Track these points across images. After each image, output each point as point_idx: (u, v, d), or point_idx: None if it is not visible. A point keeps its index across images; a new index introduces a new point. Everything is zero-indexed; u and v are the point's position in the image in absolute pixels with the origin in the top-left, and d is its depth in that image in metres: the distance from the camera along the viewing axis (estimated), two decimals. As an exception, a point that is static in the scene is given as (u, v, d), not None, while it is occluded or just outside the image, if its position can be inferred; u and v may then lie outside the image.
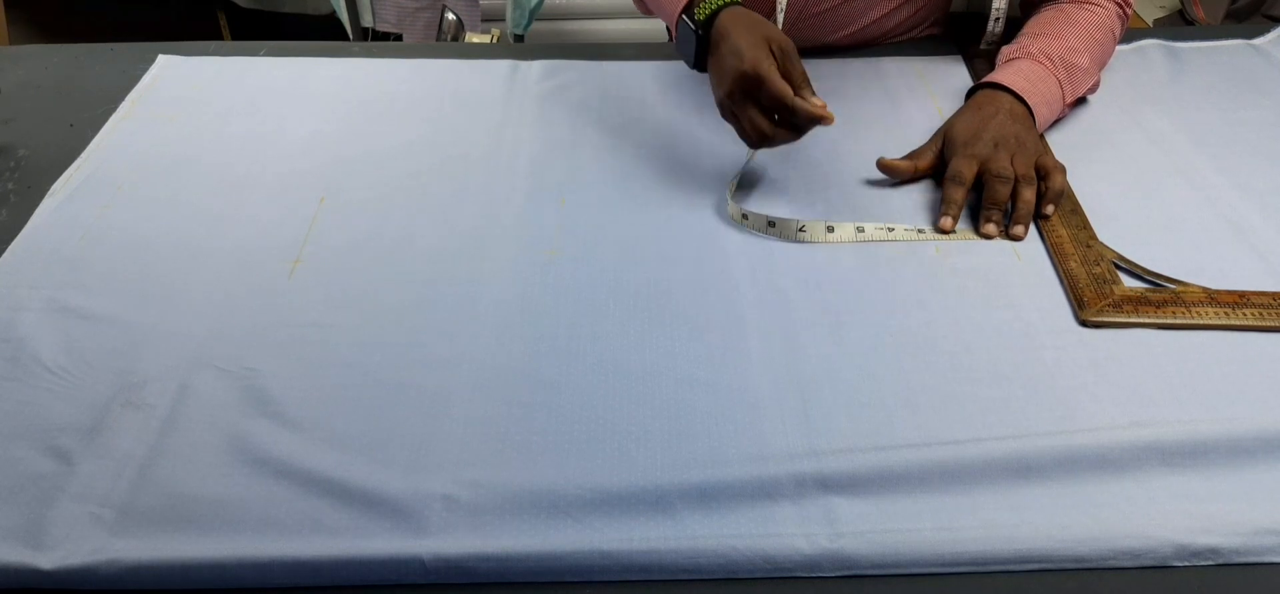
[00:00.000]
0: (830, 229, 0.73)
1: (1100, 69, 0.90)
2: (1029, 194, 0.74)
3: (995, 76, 0.83)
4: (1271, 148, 0.83)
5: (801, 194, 0.79)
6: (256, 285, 0.68)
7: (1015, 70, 0.83)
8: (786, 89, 0.70)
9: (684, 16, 0.77)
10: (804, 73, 0.72)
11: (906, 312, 0.66)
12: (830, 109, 0.70)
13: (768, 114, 0.72)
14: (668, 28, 0.86)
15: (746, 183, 0.81)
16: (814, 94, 0.71)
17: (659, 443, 0.56)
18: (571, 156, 0.83)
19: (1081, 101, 0.90)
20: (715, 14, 0.75)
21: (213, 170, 0.81)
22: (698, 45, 0.76)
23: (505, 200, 0.77)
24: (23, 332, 0.64)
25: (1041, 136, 0.82)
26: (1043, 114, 0.82)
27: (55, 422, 0.57)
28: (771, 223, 0.74)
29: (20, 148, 0.84)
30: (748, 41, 0.71)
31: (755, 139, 0.73)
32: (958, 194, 0.75)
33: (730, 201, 0.76)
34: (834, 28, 0.98)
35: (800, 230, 0.73)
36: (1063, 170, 0.75)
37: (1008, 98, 0.81)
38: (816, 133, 0.74)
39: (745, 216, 0.75)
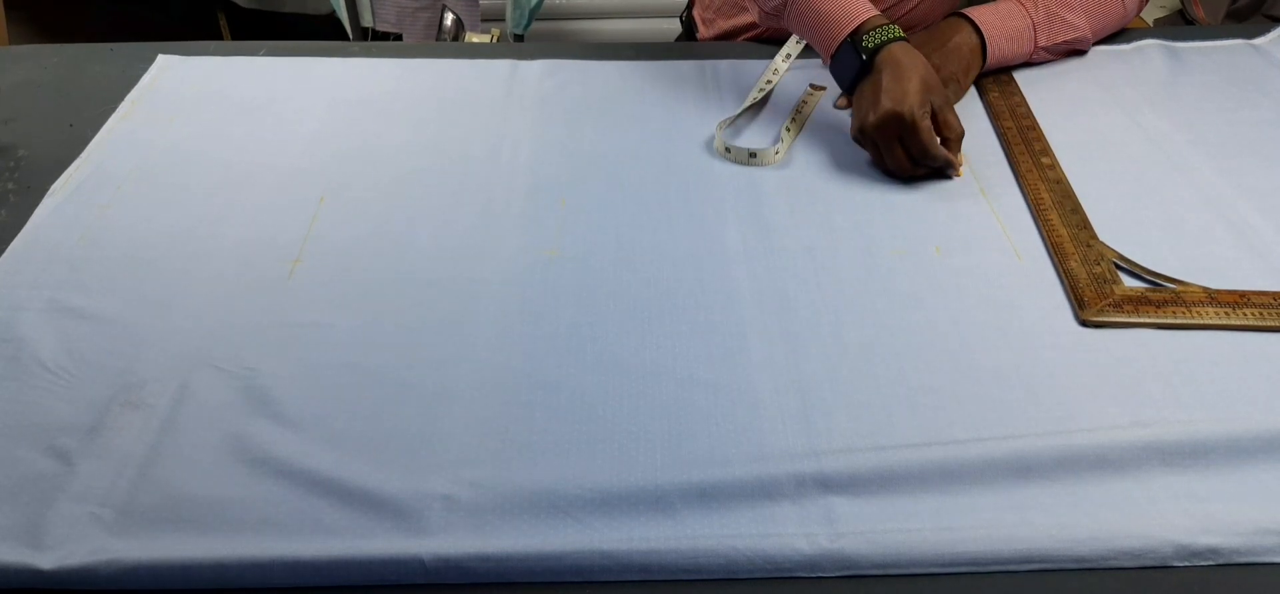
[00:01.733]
0: (776, 152, 0.83)
1: (1096, 31, 0.97)
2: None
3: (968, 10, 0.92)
4: (1271, 148, 0.83)
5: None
6: (256, 285, 0.68)
7: (990, 9, 0.92)
8: (934, 144, 0.77)
9: (849, 43, 0.81)
10: (959, 127, 0.79)
11: (906, 311, 0.66)
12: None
13: (907, 152, 0.78)
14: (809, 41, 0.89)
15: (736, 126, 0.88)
16: (959, 149, 0.79)
17: (659, 443, 0.56)
18: (571, 156, 0.83)
19: (1074, 55, 0.97)
20: (881, 44, 0.79)
21: (213, 170, 0.81)
22: (859, 72, 0.80)
23: (505, 200, 0.77)
24: (23, 332, 0.64)
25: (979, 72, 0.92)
26: (1003, 48, 0.91)
27: (55, 422, 0.57)
28: (753, 154, 0.82)
29: (20, 148, 0.84)
30: (913, 87, 0.76)
31: (892, 168, 0.79)
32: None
33: (718, 136, 0.83)
34: None
35: (775, 153, 0.82)
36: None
37: (966, 27, 0.90)
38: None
39: (728, 149, 0.83)
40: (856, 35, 0.80)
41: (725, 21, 1.09)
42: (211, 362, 0.62)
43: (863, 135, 0.79)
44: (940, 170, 0.79)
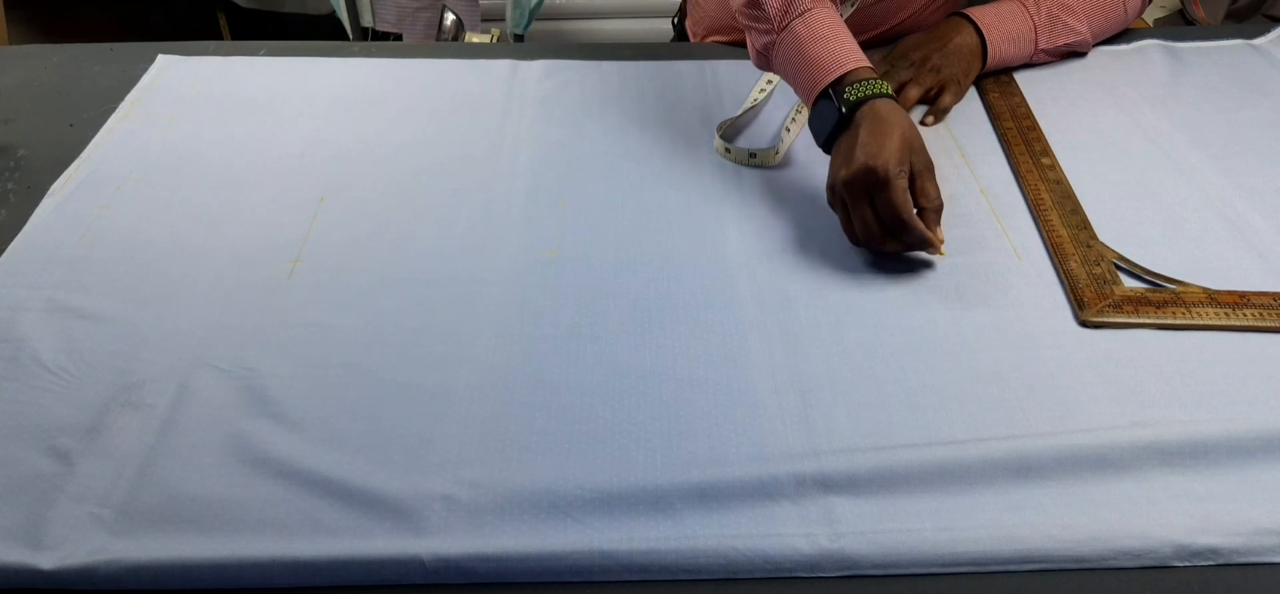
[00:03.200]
0: (776, 152, 0.82)
1: (1097, 34, 0.97)
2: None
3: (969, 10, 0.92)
4: (1271, 148, 0.83)
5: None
6: (256, 285, 0.68)
7: (992, 10, 0.92)
8: (909, 210, 0.67)
9: (830, 93, 0.73)
10: (938, 199, 0.69)
11: (906, 311, 0.66)
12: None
13: (878, 216, 0.68)
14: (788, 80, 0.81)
15: (733, 131, 0.88)
16: (939, 223, 0.69)
17: (659, 443, 0.56)
18: (571, 156, 0.83)
19: (1074, 57, 0.98)
20: (864, 98, 0.71)
21: (213, 170, 0.81)
22: (837, 125, 0.72)
23: (505, 200, 0.77)
24: (23, 332, 0.64)
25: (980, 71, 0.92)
26: (1004, 50, 0.91)
27: (55, 422, 0.57)
28: (752, 154, 0.82)
29: (20, 148, 0.84)
30: (892, 143, 0.67)
31: (859, 234, 0.70)
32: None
33: (718, 137, 0.84)
34: (871, 24, 0.98)
35: (775, 153, 0.82)
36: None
37: (968, 28, 0.90)
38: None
39: (728, 150, 0.83)
40: (839, 85, 0.72)
41: (718, 38, 1.08)
42: (211, 362, 0.62)
43: (833, 194, 0.71)
44: (917, 246, 0.68)
